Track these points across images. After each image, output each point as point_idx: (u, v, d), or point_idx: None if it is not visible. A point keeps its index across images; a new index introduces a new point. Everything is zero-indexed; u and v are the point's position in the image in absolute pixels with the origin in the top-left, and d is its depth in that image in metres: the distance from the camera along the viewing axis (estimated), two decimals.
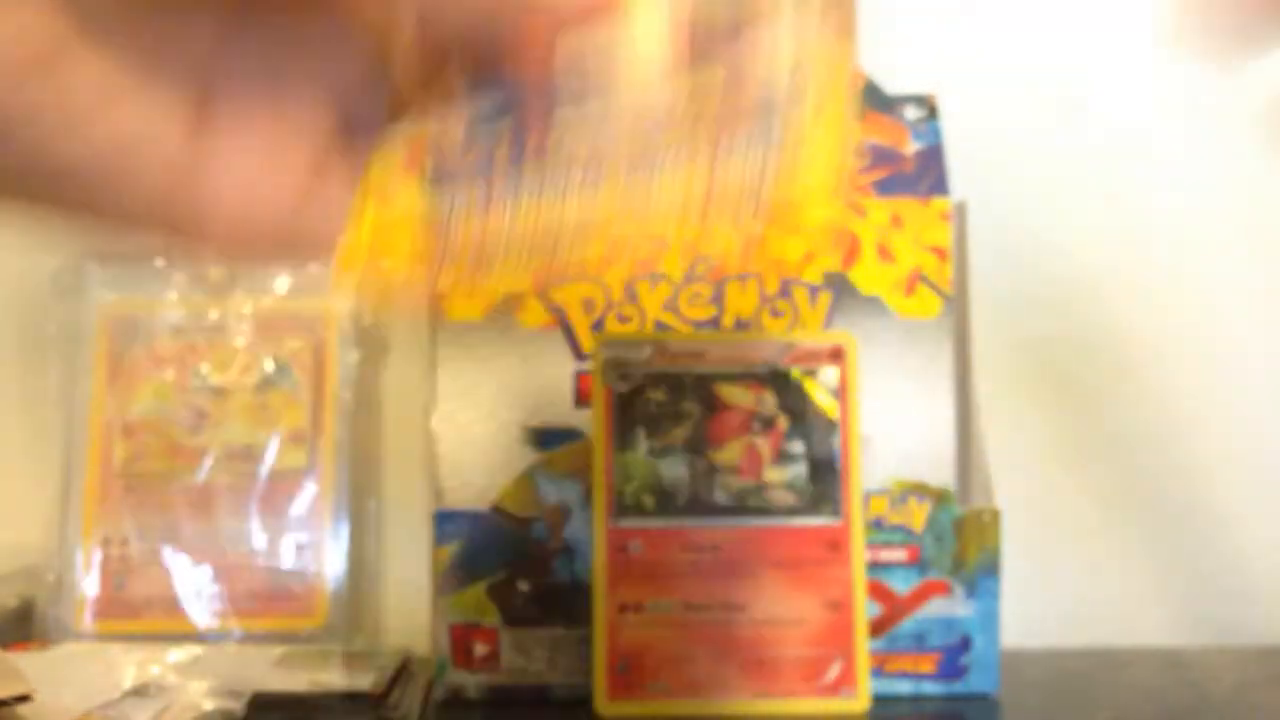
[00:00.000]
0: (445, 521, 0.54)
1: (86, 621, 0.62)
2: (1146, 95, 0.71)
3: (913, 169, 0.61)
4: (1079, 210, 0.71)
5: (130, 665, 0.52)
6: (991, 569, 0.55)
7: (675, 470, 0.53)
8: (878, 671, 0.54)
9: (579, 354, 0.59)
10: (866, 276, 0.60)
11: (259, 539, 0.63)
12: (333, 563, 0.63)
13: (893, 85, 0.63)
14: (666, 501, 0.53)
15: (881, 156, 0.62)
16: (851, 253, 0.60)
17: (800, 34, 0.23)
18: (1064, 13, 0.71)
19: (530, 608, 0.54)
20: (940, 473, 0.59)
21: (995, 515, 0.55)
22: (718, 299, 0.59)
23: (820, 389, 0.54)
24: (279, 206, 0.24)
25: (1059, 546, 0.69)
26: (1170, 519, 0.70)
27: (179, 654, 0.55)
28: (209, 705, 0.48)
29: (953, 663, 0.55)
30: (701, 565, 0.52)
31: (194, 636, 0.60)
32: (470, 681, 0.54)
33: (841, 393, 0.54)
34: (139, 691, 0.49)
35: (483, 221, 0.24)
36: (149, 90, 0.22)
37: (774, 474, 0.53)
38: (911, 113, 0.63)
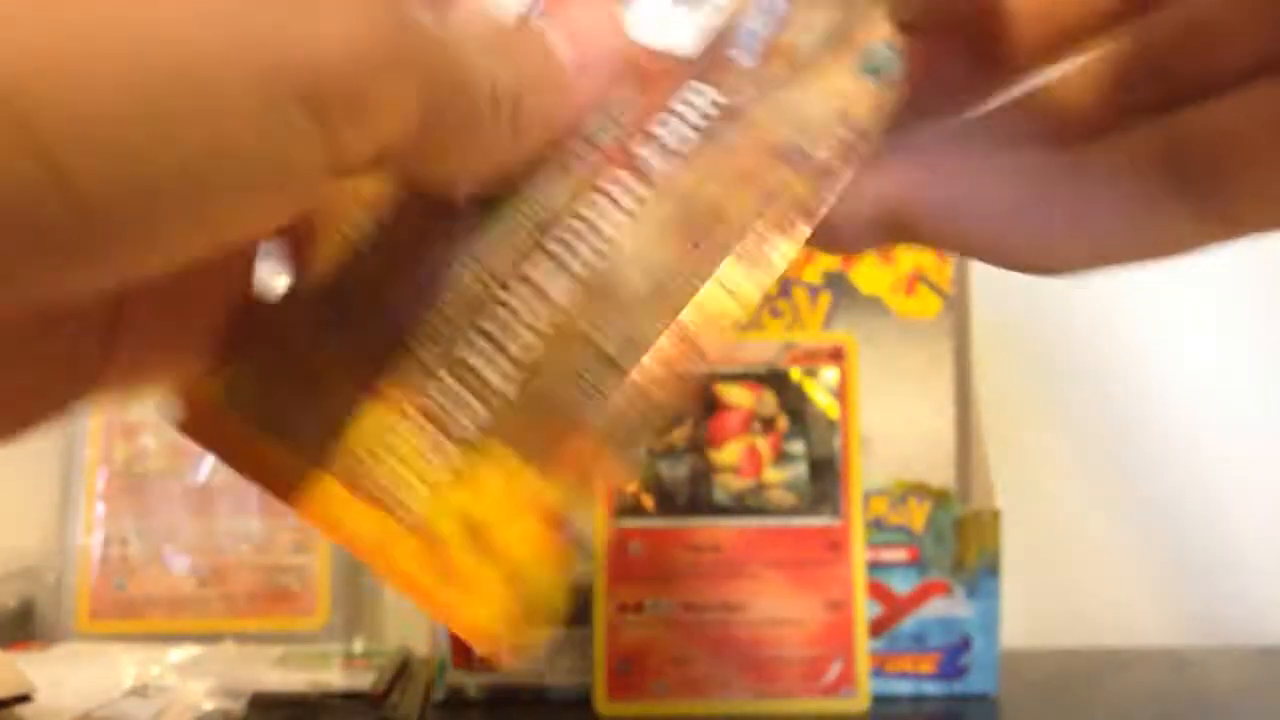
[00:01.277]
0: None
1: (86, 621, 0.62)
2: None
3: None
4: None
5: (130, 665, 0.52)
6: (991, 569, 0.55)
7: (675, 470, 0.53)
8: (878, 671, 0.54)
9: None
10: (866, 276, 0.60)
11: (259, 539, 0.63)
12: (333, 563, 0.63)
13: None
14: (666, 501, 0.53)
15: None
16: None
17: None
18: None
19: None
20: (940, 473, 0.59)
21: (995, 515, 0.55)
22: None
23: (820, 389, 0.54)
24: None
25: (1059, 546, 0.69)
26: (1171, 520, 0.70)
27: (179, 654, 0.55)
28: (209, 705, 0.48)
29: (953, 663, 0.55)
30: (701, 565, 0.52)
31: (194, 636, 0.60)
32: (470, 681, 0.54)
33: (841, 393, 0.54)
34: (139, 691, 0.49)
35: None
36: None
37: (774, 474, 0.53)
38: None
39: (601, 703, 0.51)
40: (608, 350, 0.22)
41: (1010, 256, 0.23)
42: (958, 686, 0.55)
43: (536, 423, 0.21)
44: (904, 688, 0.55)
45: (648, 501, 0.53)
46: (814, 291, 0.60)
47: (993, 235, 0.22)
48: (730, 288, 0.22)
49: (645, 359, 0.22)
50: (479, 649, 0.20)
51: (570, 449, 0.21)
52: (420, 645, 0.58)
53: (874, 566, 0.54)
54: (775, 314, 0.59)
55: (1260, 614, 0.69)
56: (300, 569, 0.63)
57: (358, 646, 0.61)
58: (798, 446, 0.54)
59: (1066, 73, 0.22)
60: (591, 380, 0.22)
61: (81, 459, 0.64)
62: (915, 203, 0.22)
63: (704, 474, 0.53)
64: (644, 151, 0.23)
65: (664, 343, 0.22)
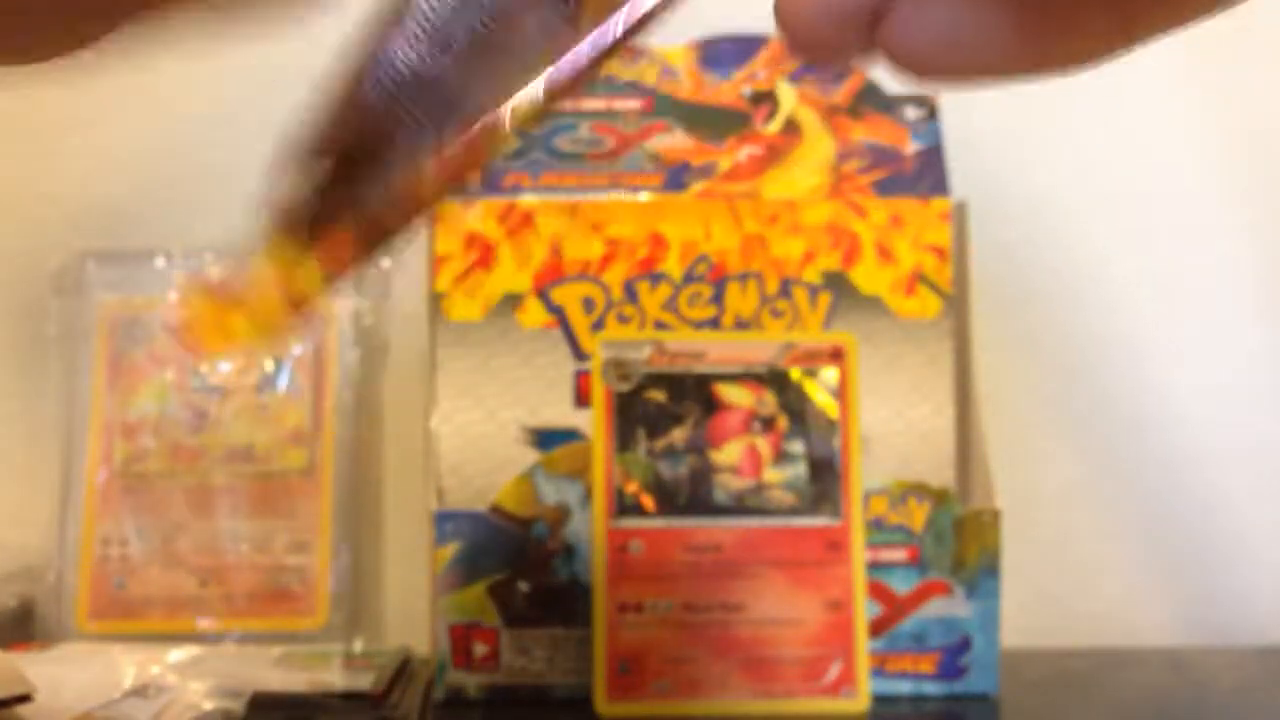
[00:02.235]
0: (445, 521, 0.54)
1: (86, 621, 0.62)
2: (1146, 93, 0.71)
3: (913, 169, 0.61)
4: (1079, 210, 0.71)
5: (130, 665, 0.52)
6: (991, 569, 0.55)
7: (675, 470, 0.53)
8: (878, 671, 0.54)
9: (579, 354, 0.59)
10: (866, 276, 0.60)
11: (259, 539, 0.63)
12: (333, 562, 0.63)
13: (893, 85, 0.63)
14: (666, 501, 0.53)
15: (881, 156, 0.62)
16: (851, 253, 0.60)
17: None
18: None
19: (530, 608, 0.54)
20: (940, 473, 0.59)
21: (995, 515, 0.55)
22: (718, 299, 0.59)
23: (820, 389, 0.54)
24: None
25: (1059, 546, 0.69)
26: (1171, 519, 0.70)
27: (179, 654, 0.55)
28: (209, 705, 0.48)
29: (953, 663, 0.55)
30: (701, 565, 0.52)
31: (194, 636, 0.60)
32: (470, 681, 0.54)
33: (841, 393, 0.54)
34: (139, 691, 0.49)
35: None
36: None
37: (774, 474, 0.53)
38: (911, 113, 0.63)
39: (601, 703, 0.51)
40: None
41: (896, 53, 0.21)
42: (958, 686, 0.55)
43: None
44: (904, 688, 0.55)
45: (648, 501, 0.53)
46: (814, 291, 0.60)
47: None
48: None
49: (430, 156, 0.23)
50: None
51: (336, 236, 0.23)
52: (420, 645, 0.58)
53: (874, 566, 0.54)
54: (775, 314, 0.59)
55: (1260, 614, 0.69)
56: (300, 569, 0.63)
57: (358, 646, 0.61)
58: (798, 446, 0.54)
59: None
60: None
61: (81, 459, 0.64)
62: None
63: (704, 474, 0.53)
64: None
65: (450, 140, 0.23)
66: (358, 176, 0.23)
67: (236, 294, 0.24)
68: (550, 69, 0.23)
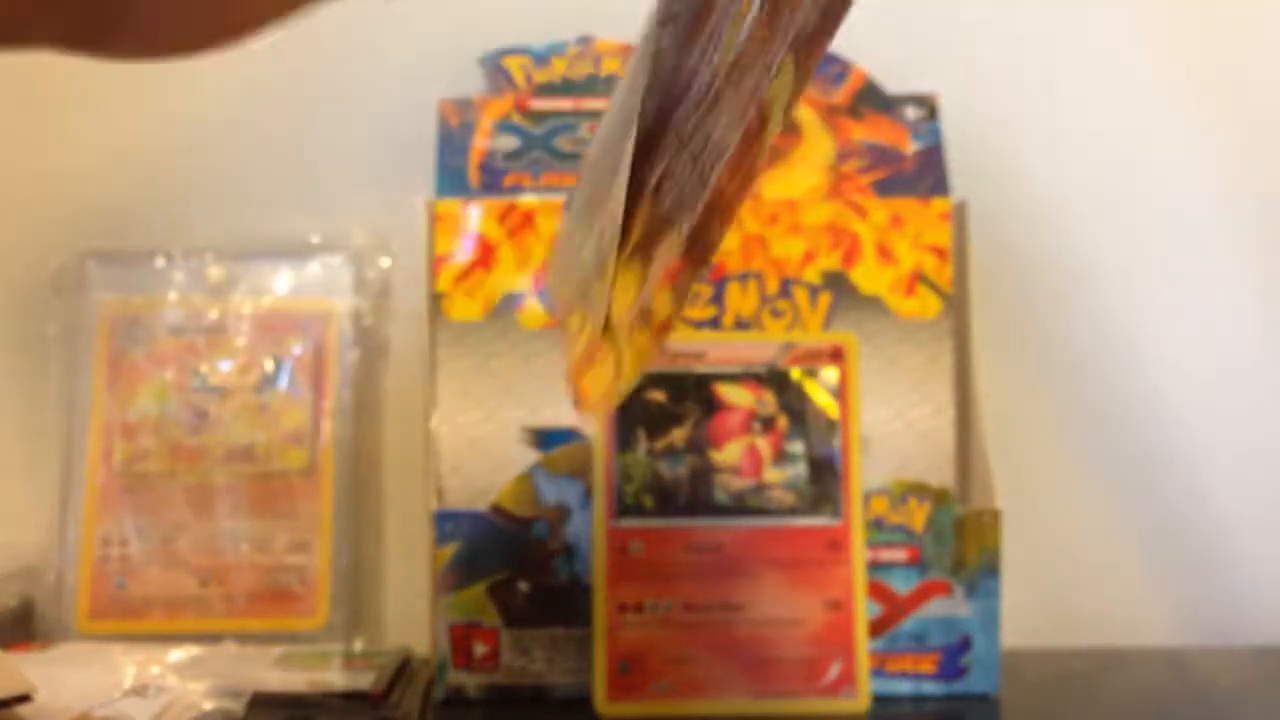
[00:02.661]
0: (445, 521, 0.54)
1: (86, 621, 0.62)
2: (1146, 94, 0.71)
3: (913, 169, 0.61)
4: (1079, 210, 0.71)
5: (130, 665, 0.52)
6: (991, 569, 0.55)
7: (675, 470, 0.53)
8: (878, 671, 0.54)
9: None
10: (866, 276, 0.60)
11: (259, 539, 0.63)
12: (333, 563, 0.63)
13: (893, 85, 0.63)
14: (666, 501, 0.53)
15: (881, 156, 0.62)
16: (851, 253, 0.60)
17: None
18: (1062, 12, 0.71)
19: (530, 608, 0.54)
20: (940, 473, 0.59)
21: (995, 515, 0.55)
22: (718, 299, 0.59)
23: (820, 389, 0.54)
24: None
25: (1059, 546, 0.69)
26: (1170, 519, 0.70)
27: (179, 654, 0.55)
28: (209, 705, 0.48)
29: (953, 663, 0.55)
30: (701, 565, 0.52)
31: (194, 636, 0.60)
32: (470, 681, 0.54)
33: (841, 393, 0.54)
34: (139, 691, 0.49)
35: None
36: None
37: (774, 474, 0.53)
38: (911, 113, 0.63)
39: (601, 703, 0.51)
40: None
41: None
42: (958, 686, 0.55)
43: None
44: (904, 688, 0.55)
45: (648, 501, 0.53)
46: (814, 291, 0.60)
47: None
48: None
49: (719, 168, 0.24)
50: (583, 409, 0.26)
51: (671, 260, 0.24)
52: (420, 645, 0.58)
53: (874, 566, 0.54)
54: (775, 314, 0.59)
55: (1259, 614, 0.69)
56: (300, 569, 0.63)
57: (358, 646, 0.61)
58: (798, 446, 0.54)
59: None
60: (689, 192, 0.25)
61: (81, 459, 0.64)
62: None
63: (704, 474, 0.53)
64: None
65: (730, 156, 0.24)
66: (665, 202, 0.24)
67: (584, 360, 0.25)
68: (781, 47, 0.23)
